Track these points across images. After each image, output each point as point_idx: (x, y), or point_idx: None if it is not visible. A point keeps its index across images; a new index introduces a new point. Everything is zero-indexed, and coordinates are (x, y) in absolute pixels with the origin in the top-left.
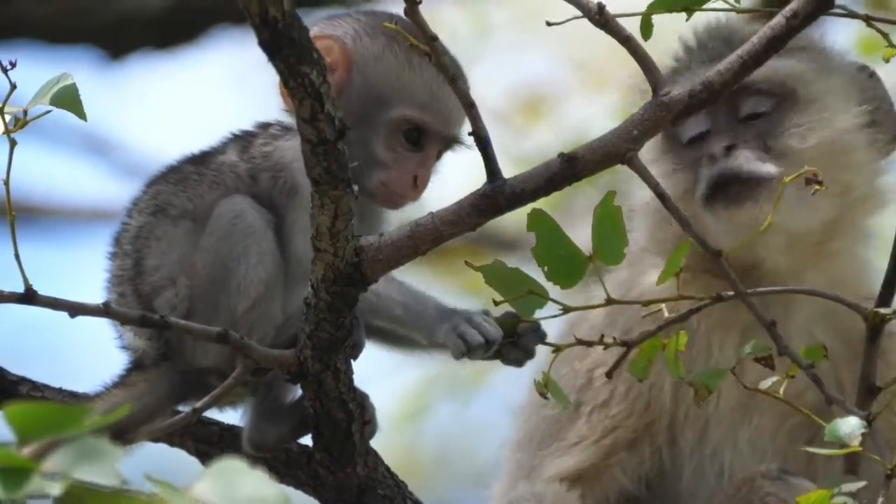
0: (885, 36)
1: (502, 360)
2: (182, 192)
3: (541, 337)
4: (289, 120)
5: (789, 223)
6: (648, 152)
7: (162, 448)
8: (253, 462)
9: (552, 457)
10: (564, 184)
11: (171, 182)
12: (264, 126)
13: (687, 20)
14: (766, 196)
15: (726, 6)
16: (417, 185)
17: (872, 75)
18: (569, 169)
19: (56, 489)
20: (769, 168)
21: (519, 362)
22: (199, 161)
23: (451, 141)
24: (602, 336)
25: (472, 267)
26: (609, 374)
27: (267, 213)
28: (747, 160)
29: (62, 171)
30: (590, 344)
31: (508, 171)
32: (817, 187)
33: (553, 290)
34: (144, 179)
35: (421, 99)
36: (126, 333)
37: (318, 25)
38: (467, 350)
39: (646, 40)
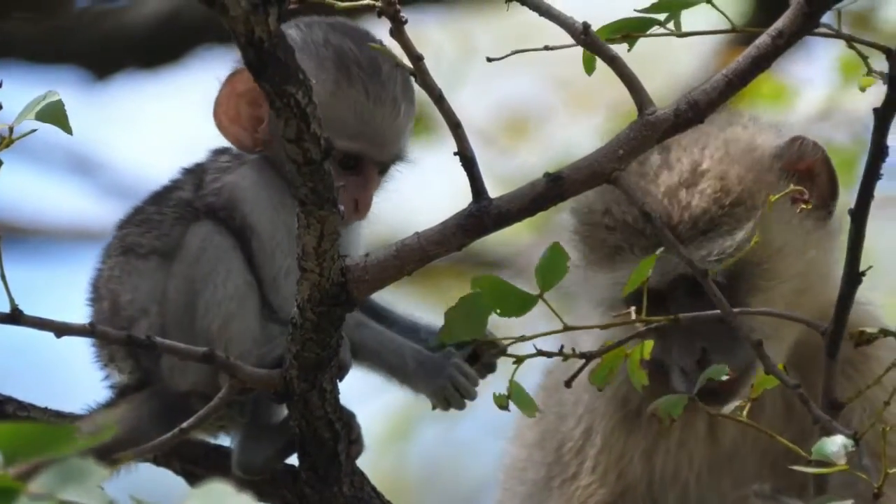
0: (865, 60)
1: None
2: (147, 233)
3: (501, 350)
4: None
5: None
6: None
7: (147, 467)
8: (242, 485)
9: None
10: (550, 204)
11: (136, 224)
12: (215, 156)
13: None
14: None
15: (666, 31)
16: (359, 208)
17: (802, 143)
18: (554, 189)
19: None
20: (742, 360)
21: (482, 376)
22: (159, 200)
23: (390, 162)
24: (562, 347)
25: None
26: (568, 384)
27: (231, 237)
28: (719, 371)
29: (48, 191)
30: (549, 355)
31: (494, 190)
32: (804, 206)
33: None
34: (114, 225)
35: (351, 128)
36: (112, 372)
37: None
38: (447, 407)
39: (628, 50)
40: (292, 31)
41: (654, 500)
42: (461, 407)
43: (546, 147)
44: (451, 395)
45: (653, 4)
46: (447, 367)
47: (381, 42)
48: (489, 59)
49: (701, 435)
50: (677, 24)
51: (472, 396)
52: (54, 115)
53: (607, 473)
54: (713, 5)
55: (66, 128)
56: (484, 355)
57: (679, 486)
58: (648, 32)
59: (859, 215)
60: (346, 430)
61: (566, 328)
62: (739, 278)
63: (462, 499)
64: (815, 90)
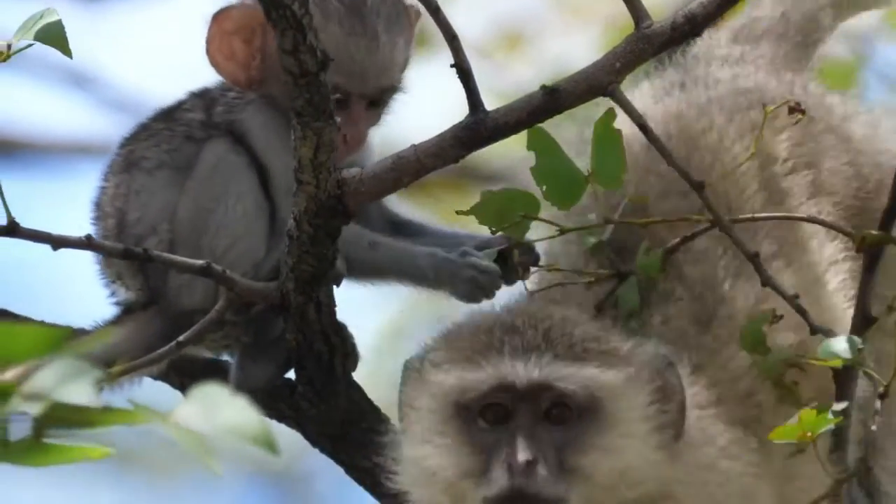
0: None
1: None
2: (155, 147)
3: (535, 259)
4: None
5: None
6: (436, 425)
7: (146, 382)
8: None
9: None
10: (546, 116)
11: (143, 139)
12: (223, 89)
13: None
14: None
15: None
16: (348, 142)
17: (671, 365)
18: (551, 101)
19: (36, 409)
20: (560, 490)
21: (511, 281)
22: (167, 117)
23: (379, 95)
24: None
25: (463, 213)
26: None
27: (246, 155)
28: (544, 483)
29: (43, 104)
30: (580, 272)
31: (490, 104)
32: (800, 116)
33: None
34: (117, 142)
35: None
36: (118, 289)
37: None
38: (477, 301)
39: None
40: None
41: None
42: (488, 299)
43: (542, 61)
44: (473, 294)
45: None
46: (464, 270)
47: None
48: None
49: None
50: None
51: (492, 293)
52: (54, 37)
53: None
54: None
55: (67, 51)
56: (511, 257)
57: None
58: None
59: None
60: (341, 343)
61: (607, 221)
62: (586, 416)
63: None
64: None
